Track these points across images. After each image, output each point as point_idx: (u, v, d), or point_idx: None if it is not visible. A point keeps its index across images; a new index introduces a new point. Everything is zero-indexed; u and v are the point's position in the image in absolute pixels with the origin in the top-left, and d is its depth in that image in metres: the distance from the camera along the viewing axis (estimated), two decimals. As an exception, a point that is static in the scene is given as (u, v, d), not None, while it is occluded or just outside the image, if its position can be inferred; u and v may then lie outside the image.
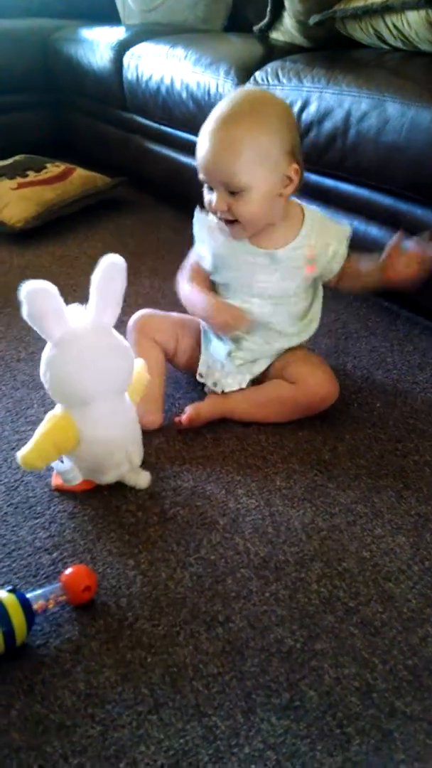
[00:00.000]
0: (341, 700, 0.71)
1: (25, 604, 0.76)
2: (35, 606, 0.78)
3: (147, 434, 1.10)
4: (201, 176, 1.02)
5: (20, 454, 0.91)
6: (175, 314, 1.22)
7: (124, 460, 0.97)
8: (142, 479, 1.01)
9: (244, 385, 1.14)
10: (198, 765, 0.66)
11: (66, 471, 0.95)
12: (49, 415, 0.94)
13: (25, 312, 0.85)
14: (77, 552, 0.90)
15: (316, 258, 1.09)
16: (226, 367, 1.15)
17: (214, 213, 1.04)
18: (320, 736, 0.68)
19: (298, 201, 1.11)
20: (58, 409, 0.94)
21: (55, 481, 1.01)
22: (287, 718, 0.70)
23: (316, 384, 1.09)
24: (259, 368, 1.14)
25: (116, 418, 0.95)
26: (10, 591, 0.76)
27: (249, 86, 1.03)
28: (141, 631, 0.79)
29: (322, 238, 1.08)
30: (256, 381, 1.15)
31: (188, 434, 1.11)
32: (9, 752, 0.67)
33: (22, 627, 0.74)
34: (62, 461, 0.95)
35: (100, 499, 0.98)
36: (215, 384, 1.15)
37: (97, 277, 0.89)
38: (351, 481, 1.01)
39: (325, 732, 0.68)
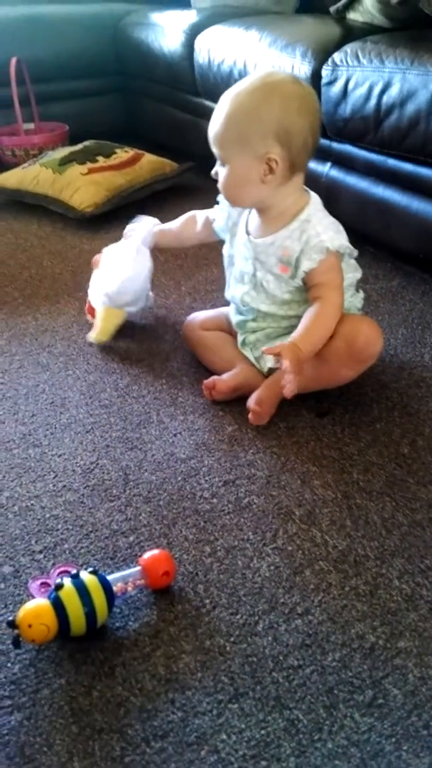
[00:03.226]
0: (427, 701, 0.69)
1: (106, 585, 0.76)
2: (115, 588, 0.78)
3: (219, 422, 1.10)
4: None
5: (95, 338, 1.28)
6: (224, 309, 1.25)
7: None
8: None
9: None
10: (280, 757, 0.65)
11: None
12: (106, 311, 1.28)
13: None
14: (153, 536, 0.90)
15: (291, 261, 1.05)
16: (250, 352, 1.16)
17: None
18: (406, 737, 0.66)
19: (313, 196, 1.07)
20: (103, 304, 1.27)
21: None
22: (371, 716, 0.68)
23: (358, 334, 1.05)
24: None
25: None
26: (91, 572, 0.77)
27: (272, 69, 1.04)
28: (219, 619, 0.78)
29: (300, 244, 1.04)
30: None
31: (261, 422, 1.10)
32: (92, 733, 0.67)
33: (103, 608, 0.75)
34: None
35: (174, 484, 0.98)
36: (257, 360, 1.15)
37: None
38: (432, 476, 0.98)
39: (411, 733, 0.66)
